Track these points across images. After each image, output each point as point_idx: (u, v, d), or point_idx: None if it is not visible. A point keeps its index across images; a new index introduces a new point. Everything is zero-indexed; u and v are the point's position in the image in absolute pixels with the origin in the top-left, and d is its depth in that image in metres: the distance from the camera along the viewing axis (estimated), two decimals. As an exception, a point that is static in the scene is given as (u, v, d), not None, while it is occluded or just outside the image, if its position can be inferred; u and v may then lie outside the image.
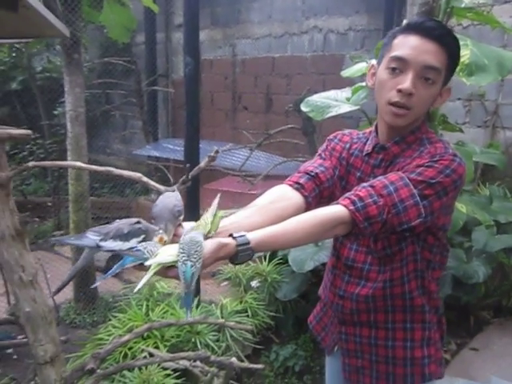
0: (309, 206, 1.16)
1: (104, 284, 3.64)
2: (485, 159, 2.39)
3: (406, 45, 1.08)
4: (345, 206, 1.03)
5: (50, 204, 4.64)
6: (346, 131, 1.35)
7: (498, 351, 2.72)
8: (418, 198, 1.04)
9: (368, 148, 1.23)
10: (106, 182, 5.37)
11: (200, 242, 0.85)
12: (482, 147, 3.08)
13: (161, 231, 0.89)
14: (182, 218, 0.93)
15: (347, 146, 1.28)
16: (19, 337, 3.07)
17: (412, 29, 1.09)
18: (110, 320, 2.42)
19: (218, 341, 2.31)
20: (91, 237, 0.91)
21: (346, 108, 2.10)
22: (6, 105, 5.38)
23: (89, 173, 3.43)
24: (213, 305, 2.58)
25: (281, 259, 2.86)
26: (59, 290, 1.15)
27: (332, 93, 2.26)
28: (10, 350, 2.87)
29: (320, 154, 1.30)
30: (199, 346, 2.18)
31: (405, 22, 1.85)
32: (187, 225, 0.95)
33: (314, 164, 1.25)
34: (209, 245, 0.88)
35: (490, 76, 1.60)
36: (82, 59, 3.15)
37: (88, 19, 3.61)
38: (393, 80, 1.10)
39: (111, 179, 5.18)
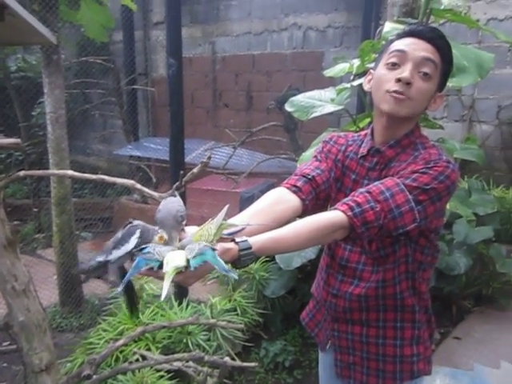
0: (306, 209, 1.18)
1: (89, 286, 3.61)
2: (465, 155, 2.47)
3: (403, 43, 1.13)
4: (343, 211, 1.04)
5: (33, 207, 4.56)
6: (342, 133, 1.36)
7: (479, 338, 2.81)
8: (412, 203, 1.06)
9: (363, 151, 1.24)
10: (86, 183, 5.29)
11: (203, 242, 0.90)
12: (460, 141, 3.17)
13: (160, 230, 0.92)
14: (185, 222, 0.95)
15: (343, 148, 1.29)
16: (4, 343, 3.05)
17: (406, 33, 1.14)
18: (98, 323, 2.41)
19: (209, 340, 2.33)
20: (99, 259, 0.96)
21: (330, 108, 2.13)
22: (-20, 106, 5.25)
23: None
24: (202, 304, 2.59)
25: (267, 257, 2.89)
26: None
27: (315, 93, 2.28)
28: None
29: (316, 156, 1.31)
30: (191, 347, 2.20)
31: (388, 24, 1.90)
32: (190, 229, 0.97)
33: (310, 166, 1.26)
34: None
35: (470, 77, 1.66)
36: (62, 60, 3.10)
37: (65, 18, 3.55)
38: (391, 73, 1.12)
39: (92, 180, 5.11)
